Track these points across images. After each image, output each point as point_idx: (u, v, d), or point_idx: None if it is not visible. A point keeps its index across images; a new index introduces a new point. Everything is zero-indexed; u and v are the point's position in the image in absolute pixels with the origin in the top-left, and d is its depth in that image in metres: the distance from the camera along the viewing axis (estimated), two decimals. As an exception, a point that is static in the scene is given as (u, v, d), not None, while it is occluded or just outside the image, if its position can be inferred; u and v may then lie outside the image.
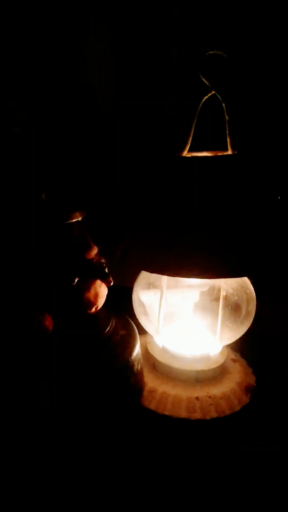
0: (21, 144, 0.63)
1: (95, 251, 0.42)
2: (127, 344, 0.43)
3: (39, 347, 0.37)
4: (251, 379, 0.48)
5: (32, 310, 0.38)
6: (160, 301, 0.45)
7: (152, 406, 0.43)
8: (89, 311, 0.41)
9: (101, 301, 0.42)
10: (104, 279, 0.42)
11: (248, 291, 0.46)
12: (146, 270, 0.42)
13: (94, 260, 0.42)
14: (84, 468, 0.37)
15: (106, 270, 0.42)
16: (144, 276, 0.48)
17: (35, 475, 0.37)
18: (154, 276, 0.46)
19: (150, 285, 0.48)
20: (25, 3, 0.64)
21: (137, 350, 0.43)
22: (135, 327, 0.47)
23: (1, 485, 0.36)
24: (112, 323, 0.44)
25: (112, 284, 0.42)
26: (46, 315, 0.38)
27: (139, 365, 0.44)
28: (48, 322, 0.37)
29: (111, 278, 0.42)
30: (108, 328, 0.43)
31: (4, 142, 0.63)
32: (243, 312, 0.45)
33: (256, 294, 0.46)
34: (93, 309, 0.41)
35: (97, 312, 0.42)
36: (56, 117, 0.68)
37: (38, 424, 0.36)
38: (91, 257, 0.41)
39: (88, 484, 0.36)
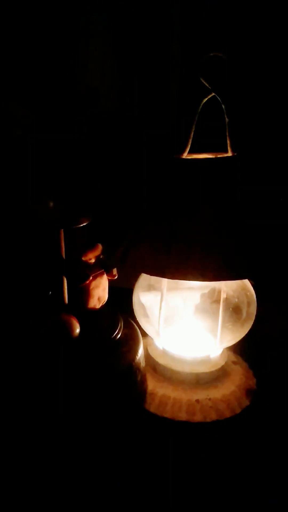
0: (23, 146, 0.63)
1: (100, 248, 0.43)
2: (132, 344, 0.43)
3: (64, 349, 0.38)
4: (252, 382, 0.47)
5: (59, 312, 0.39)
6: (161, 303, 0.45)
7: (152, 408, 0.43)
8: (99, 306, 0.43)
9: (106, 295, 0.44)
10: (109, 273, 0.44)
11: (248, 293, 0.46)
12: (146, 272, 0.42)
13: (101, 257, 0.44)
14: (85, 469, 0.37)
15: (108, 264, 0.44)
16: (145, 278, 0.48)
17: (38, 475, 0.37)
18: (154, 278, 0.46)
19: (151, 287, 0.48)
20: (29, 7, 0.64)
21: (140, 351, 0.43)
22: (137, 328, 0.47)
23: (2, 486, 0.36)
24: (121, 324, 0.44)
25: (116, 277, 0.44)
26: (73, 317, 0.39)
27: (143, 364, 0.44)
28: (78, 323, 0.39)
29: (115, 272, 0.44)
30: (117, 330, 0.43)
31: (6, 144, 0.63)
32: (244, 314, 0.45)
33: (257, 296, 0.46)
34: (102, 303, 0.43)
35: (107, 312, 0.44)
36: (59, 120, 0.68)
37: (43, 424, 0.36)
38: (97, 254, 0.43)
39: (89, 485, 0.36)
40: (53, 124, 0.67)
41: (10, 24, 0.65)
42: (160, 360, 0.47)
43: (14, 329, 0.39)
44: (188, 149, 0.43)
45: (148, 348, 0.50)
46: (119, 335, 0.42)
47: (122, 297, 0.48)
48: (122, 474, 0.37)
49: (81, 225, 0.40)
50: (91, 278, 0.41)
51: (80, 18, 0.66)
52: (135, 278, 0.49)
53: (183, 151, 0.43)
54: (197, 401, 0.43)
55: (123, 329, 0.45)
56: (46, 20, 0.66)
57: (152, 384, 0.46)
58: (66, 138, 0.67)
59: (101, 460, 0.38)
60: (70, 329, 0.38)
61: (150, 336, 0.49)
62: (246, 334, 0.46)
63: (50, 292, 0.39)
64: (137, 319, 0.48)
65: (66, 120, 0.68)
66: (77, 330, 0.38)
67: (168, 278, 0.41)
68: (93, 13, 0.65)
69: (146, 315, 0.48)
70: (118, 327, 0.43)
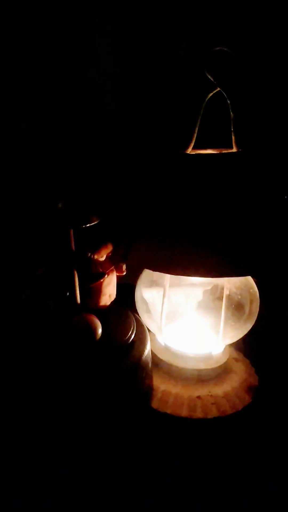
0: (30, 140, 0.63)
1: (111, 245, 0.44)
2: (140, 341, 0.43)
3: (90, 349, 0.38)
4: (254, 379, 0.47)
5: (80, 312, 0.39)
6: (163, 299, 0.45)
7: (153, 404, 0.43)
8: (109, 303, 0.44)
9: (115, 291, 0.45)
10: (118, 269, 0.45)
11: (251, 290, 0.46)
12: (149, 268, 0.42)
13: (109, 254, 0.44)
14: (86, 464, 0.37)
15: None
16: (147, 274, 0.48)
17: (41, 469, 0.37)
18: (157, 274, 0.46)
19: (153, 283, 0.48)
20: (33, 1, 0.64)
21: (148, 347, 0.43)
22: (144, 324, 0.46)
23: (7, 486, 0.36)
24: (134, 326, 0.44)
25: (125, 273, 0.45)
26: (95, 316, 0.39)
27: (150, 360, 0.44)
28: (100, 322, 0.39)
29: (124, 267, 0.45)
30: (131, 331, 0.43)
31: (12, 138, 0.63)
32: (246, 311, 0.45)
33: (259, 293, 0.46)
34: (111, 300, 0.45)
35: (119, 311, 0.45)
36: (63, 115, 0.68)
37: (47, 420, 0.37)
38: (109, 251, 0.43)
39: (91, 480, 0.37)
40: (57, 119, 0.67)
41: (15, 18, 0.65)
42: (162, 356, 0.47)
43: (37, 330, 0.40)
44: (192, 145, 0.42)
45: (150, 344, 0.50)
46: (132, 336, 0.42)
47: (124, 293, 0.48)
48: (122, 470, 0.38)
49: (91, 224, 0.40)
50: (106, 276, 0.41)
51: (85, 12, 0.65)
52: (138, 273, 0.49)
53: (188, 147, 0.42)
54: (199, 397, 0.43)
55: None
56: (51, 13, 0.65)
57: (153, 380, 0.46)
58: (70, 134, 0.66)
59: (102, 456, 0.38)
60: (94, 329, 0.38)
61: (152, 332, 0.49)
62: (249, 331, 0.46)
63: (68, 293, 0.39)
64: (140, 315, 0.48)
65: (70, 115, 0.68)
66: (100, 330, 0.38)
67: (171, 274, 0.41)
68: (98, 8, 0.65)
69: (148, 311, 0.47)
70: (132, 329, 0.43)
